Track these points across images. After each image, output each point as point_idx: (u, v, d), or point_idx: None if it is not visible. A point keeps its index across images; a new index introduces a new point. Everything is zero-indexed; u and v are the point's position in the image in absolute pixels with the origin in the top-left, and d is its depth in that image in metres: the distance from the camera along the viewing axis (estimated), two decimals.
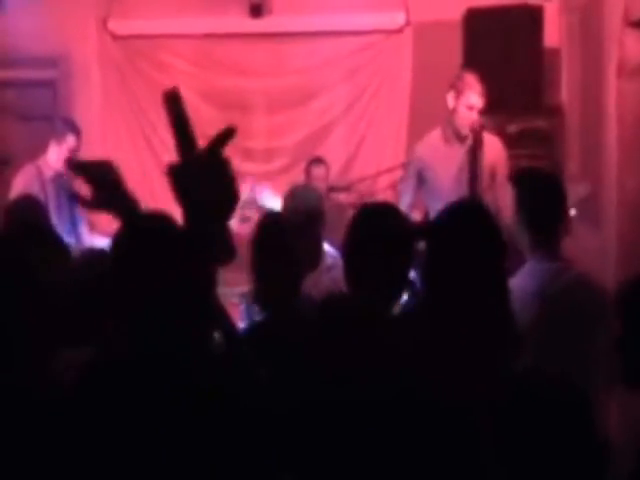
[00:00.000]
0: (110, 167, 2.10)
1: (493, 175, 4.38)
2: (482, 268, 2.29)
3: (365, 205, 2.61)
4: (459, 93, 4.47)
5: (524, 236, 2.90)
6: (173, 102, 1.80)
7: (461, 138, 4.46)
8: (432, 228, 2.44)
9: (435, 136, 4.61)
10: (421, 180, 4.61)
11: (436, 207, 4.46)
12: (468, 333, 2.20)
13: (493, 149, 4.46)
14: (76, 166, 2.08)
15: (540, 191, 2.95)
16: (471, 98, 4.45)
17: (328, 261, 3.38)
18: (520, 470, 1.76)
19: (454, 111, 4.47)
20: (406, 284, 2.43)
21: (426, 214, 4.64)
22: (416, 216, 4.62)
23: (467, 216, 2.40)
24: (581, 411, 1.75)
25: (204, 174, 1.76)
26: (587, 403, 1.77)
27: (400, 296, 2.44)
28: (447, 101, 4.49)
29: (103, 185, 2.04)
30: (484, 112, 4.48)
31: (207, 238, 1.77)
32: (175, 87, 1.85)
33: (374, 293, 2.32)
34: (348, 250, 2.41)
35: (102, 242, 4.58)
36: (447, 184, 4.39)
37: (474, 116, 4.42)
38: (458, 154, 4.44)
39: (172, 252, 1.84)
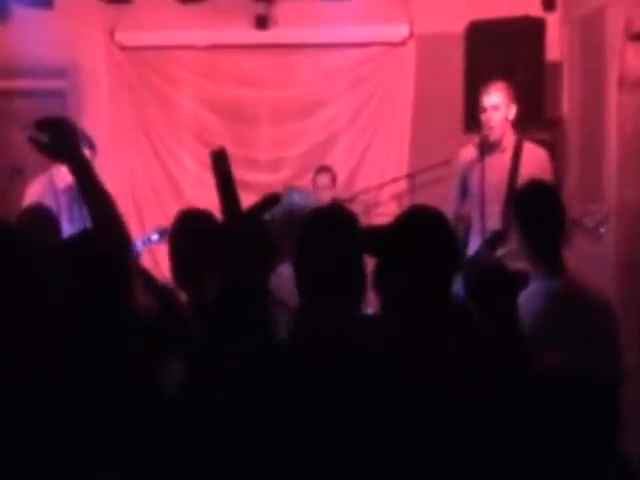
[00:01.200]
0: (67, 125, 2.28)
1: None
2: (431, 275, 2.24)
3: (313, 212, 2.48)
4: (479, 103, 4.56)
5: (526, 254, 2.93)
6: (220, 162, 1.82)
7: (494, 146, 4.46)
8: (379, 236, 2.35)
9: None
10: (465, 187, 4.65)
11: (475, 215, 4.54)
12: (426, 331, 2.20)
13: (535, 160, 4.48)
14: (39, 123, 2.25)
15: (538, 208, 2.94)
16: (482, 101, 4.52)
17: None
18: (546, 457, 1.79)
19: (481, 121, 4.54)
20: (360, 291, 2.31)
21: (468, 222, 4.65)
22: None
23: (416, 223, 2.34)
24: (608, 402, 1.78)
25: (244, 234, 1.82)
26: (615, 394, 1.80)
27: (358, 302, 2.31)
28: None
29: (60, 139, 2.22)
30: None
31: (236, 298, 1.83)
32: (222, 147, 1.88)
33: (325, 302, 2.24)
34: (297, 260, 2.31)
35: None
36: (485, 192, 4.38)
37: (492, 115, 4.46)
38: (497, 163, 4.44)
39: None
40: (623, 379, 2.85)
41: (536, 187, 3.28)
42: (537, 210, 2.97)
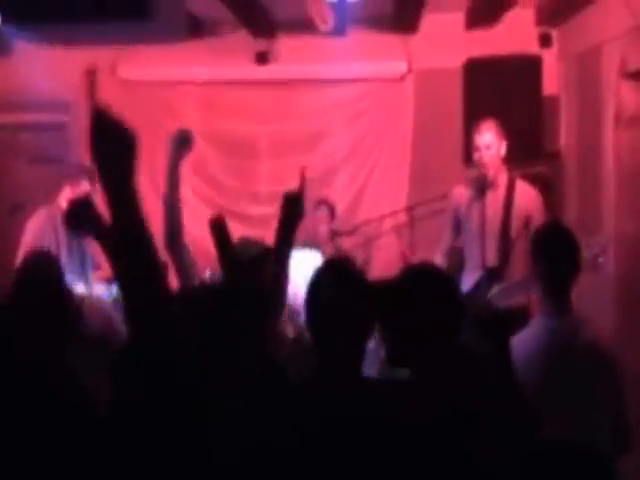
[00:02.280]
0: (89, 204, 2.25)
1: (527, 224, 4.39)
2: (434, 331, 2.23)
3: (324, 263, 2.47)
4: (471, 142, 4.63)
5: (538, 290, 2.93)
6: (218, 229, 1.90)
7: (487, 185, 4.51)
8: (384, 292, 2.32)
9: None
10: (458, 225, 4.69)
11: (469, 252, 4.57)
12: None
13: (527, 198, 4.52)
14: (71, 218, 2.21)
15: (555, 247, 2.95)
16: (475, 140, 4.58)
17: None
18: None
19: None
20: (365, 345, 2.29)
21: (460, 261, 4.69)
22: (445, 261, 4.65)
23: (418, 281, 2.33)
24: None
25: (243, 294, 1.88)
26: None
27: (362, 356, 2.29)
28: None
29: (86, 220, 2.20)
30: None
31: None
32: (220, 215, 1.92)
33: (339, 355, 2.23)
34: (309, 312, 2.29)
35: (101, 289, 4.65)
36: (478, 229, 4.46)
37: (485, 154, 4.51)
38: (491, 200, 4.49)
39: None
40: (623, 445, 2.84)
41: (553, 227, 3.31)
42: (555, 250, 2.97)
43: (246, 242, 3.27)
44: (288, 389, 2.24)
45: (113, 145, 1.77)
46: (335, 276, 2.32)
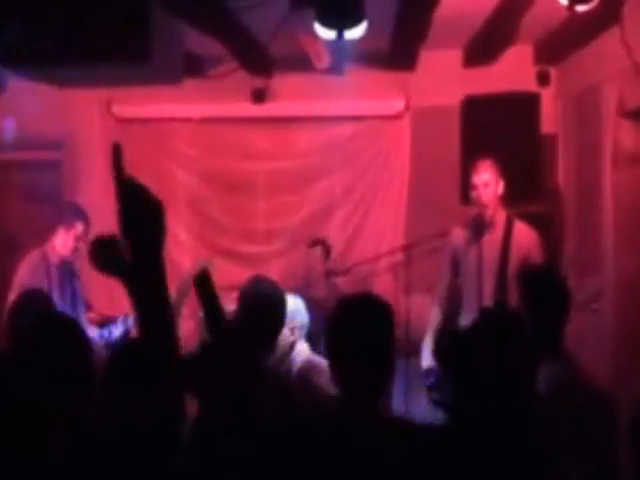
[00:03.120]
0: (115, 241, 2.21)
1: (525, 264, 4.34)
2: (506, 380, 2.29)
3: (343, 300, 2.44)
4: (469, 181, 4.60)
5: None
6: (202, 284, 1.90)
7: (485, 224, 4.51)
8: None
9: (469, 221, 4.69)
10: (457, 267, 4.66)
11: (466, 292, 4.54)
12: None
13: (525, 238, 4.52)
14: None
15: (545, 293, 2.95)
16: (473, 179, 4.57)
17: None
18: None
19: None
20: (389, 376, 2.31)
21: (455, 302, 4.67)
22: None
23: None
24: None
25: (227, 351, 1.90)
26: None
27: (383, 390, 2.29)
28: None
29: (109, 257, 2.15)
30: None
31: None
32: (205, 269, 1.95)
33: (360, 391, 2.23)
34: (329, 348, 2.30)
35: (93, 331, 4.62)
36: (475, 270, 4.43)
37: (484, 192, 4.51)
38: (489, 241, 4.48)
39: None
40: None
41: (543, 273, 3.29)
42: (545, 296, 2.97)
43: (261, 281, 3.24)
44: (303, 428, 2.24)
45: (144, 213, 1.82)
46: (362, 312, 2.30)
